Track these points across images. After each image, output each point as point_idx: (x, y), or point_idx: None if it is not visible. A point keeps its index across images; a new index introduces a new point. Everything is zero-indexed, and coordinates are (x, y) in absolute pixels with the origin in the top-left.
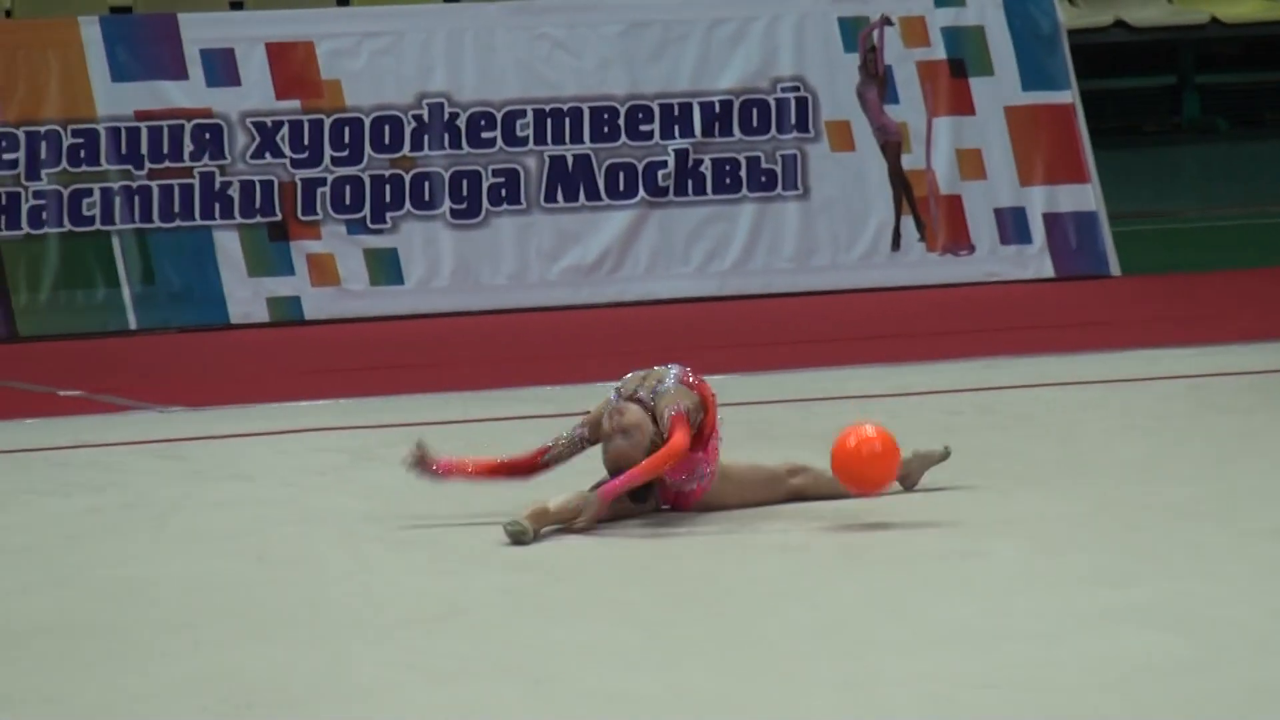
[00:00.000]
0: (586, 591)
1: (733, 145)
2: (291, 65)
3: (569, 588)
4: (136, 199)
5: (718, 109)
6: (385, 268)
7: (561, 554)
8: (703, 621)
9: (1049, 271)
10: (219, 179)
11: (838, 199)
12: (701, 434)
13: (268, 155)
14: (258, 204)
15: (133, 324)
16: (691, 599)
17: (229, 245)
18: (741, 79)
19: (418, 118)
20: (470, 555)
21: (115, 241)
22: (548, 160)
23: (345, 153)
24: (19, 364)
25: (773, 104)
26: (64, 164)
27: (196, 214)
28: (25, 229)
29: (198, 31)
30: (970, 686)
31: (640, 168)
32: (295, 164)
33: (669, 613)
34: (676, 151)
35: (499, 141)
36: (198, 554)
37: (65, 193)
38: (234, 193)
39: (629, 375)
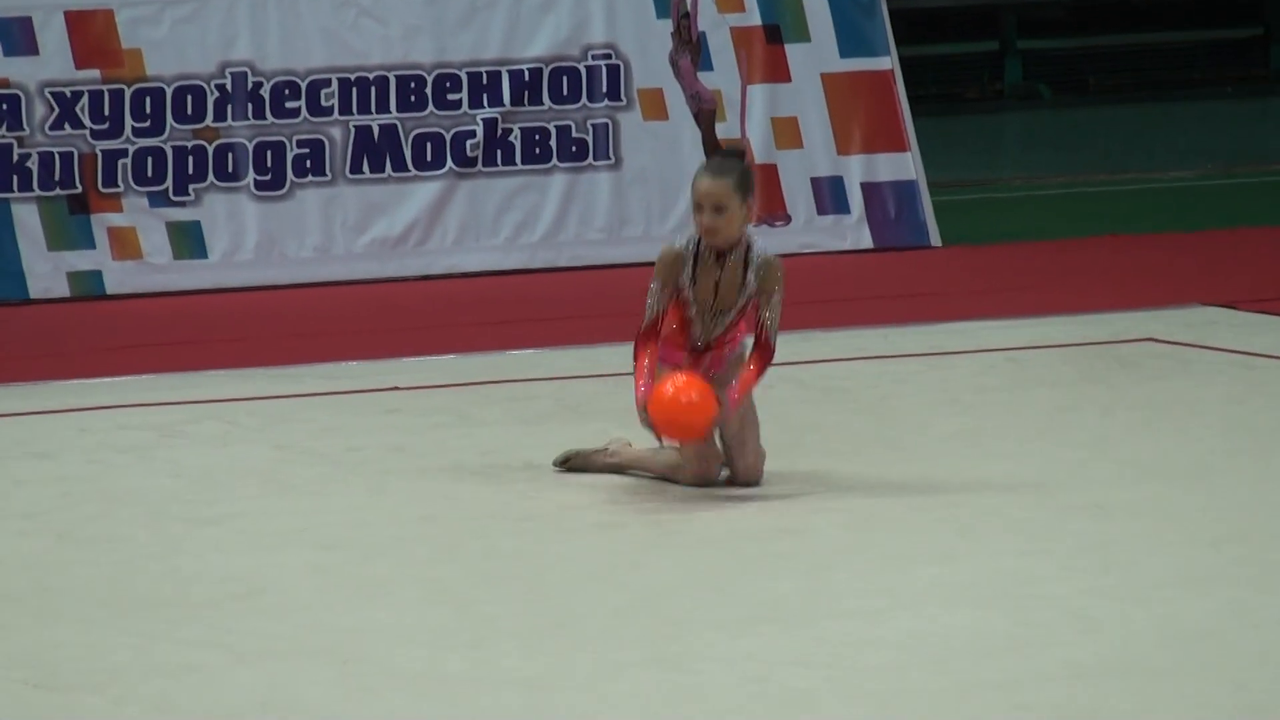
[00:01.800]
0: (396, 570)
1: (543, 114)
2: (91, 34)
3: (379, 566)
4: None
5: (527, 77)
6: (188, 241)
7: (372, 532)
8: (514, 600)
9: (867, 242)
10: (17, 151)
11: (650, 169)
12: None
13: (67, 126)
14: (57, 176)
15: None
16: (503, 577)
17: (28, 218)
18: (552, 47)
19: (221, 87)
20: (278, 534)
21: None
22: (353, 130)
23: (147, 123)
24: None
25: (584, 72)
26: None
27: None
28: None
29: None
30: (787, 664)
31: (448, 138)
32: (95, 135)
33: (479, 591)
34: (485, 121)
35: (303, 111)
36: None
37: None
38: (33, 165)
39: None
